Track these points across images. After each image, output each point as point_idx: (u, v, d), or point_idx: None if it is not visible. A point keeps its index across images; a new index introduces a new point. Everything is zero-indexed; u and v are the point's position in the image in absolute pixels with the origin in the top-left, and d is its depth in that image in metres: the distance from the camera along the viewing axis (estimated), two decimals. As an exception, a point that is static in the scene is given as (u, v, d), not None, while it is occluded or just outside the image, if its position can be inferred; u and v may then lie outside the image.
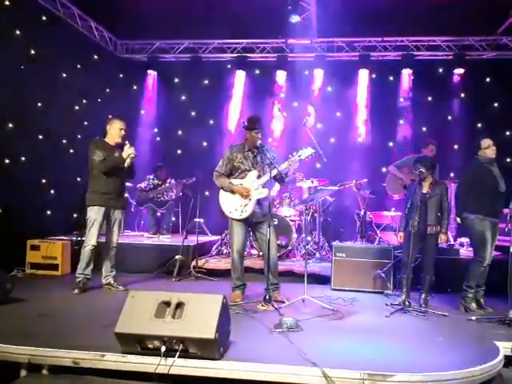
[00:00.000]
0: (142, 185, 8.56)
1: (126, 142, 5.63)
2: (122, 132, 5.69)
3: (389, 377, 3.18)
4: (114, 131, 5.68)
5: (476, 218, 5.17)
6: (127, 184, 8.37)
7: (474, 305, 5.18)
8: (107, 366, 3.39)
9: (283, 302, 5.13)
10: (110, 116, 5.83)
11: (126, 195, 8.60)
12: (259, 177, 5.27)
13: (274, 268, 5.28)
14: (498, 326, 4.60)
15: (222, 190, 5.36)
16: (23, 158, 6.98)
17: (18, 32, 6.78)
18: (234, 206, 5.26)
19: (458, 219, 5.43)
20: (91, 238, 5.56)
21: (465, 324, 4.73)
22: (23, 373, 3.47)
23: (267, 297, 4.94)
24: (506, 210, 5.15)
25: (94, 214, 5.57)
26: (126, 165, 5.59)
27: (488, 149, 5.28)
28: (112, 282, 5.77)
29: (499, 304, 5.07)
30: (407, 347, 3.93)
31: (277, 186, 7.41)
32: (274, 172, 5.09)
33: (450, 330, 4.45)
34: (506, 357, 3.78)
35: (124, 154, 5.56)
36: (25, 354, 3.47)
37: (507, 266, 4.70)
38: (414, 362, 3.53)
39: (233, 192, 5.26)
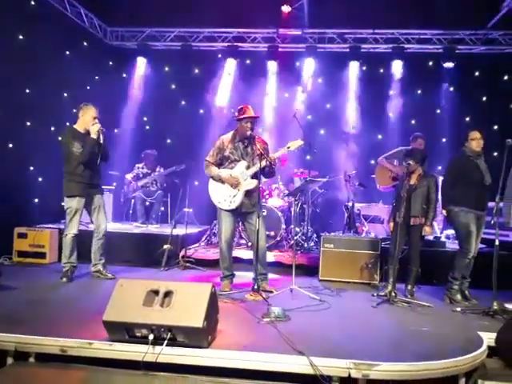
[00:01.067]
0: (131, 174, 8.51)
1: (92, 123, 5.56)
2: (96, 120, 5.59)
3: (374, 366, 3.22)
4: (87, 117, 5.59)
5: (460, 211, 5.22)
6: (113, 173, 8.40)
7: (459, 296, 5.24)
8: (95, 354, 3.40)
9: (271, 292, 5.16)
10: (84, 103, 5.75)
11: (115, 184, 8.58)
12: (248, 167, 5.26)
13: (262, 258, 5.30)
14: (483, 317, 4.68)
15: (211, 180, 5.35)
16: (10, 145, 6.91)
17: (5, 17, 6.66)
18: (222, 196, 5.25)
19: (444, 211, 5.47)
20: (72, 228, 5.55)
21: (450, 315, 4.80)
22: (10, 361, 3.47)
23: (256, 286, 4.97)
24: (491, 203, 5.21)
25: (75, 204, 5.54)
26: (100, 141, 5.52)
27: (474, 141, 5.32)
28: (101, 269, 5.75)
29: (483, 296, 5.14)
30: (393, 337, 3.99)
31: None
32: (264, 163, 5.08)
33: (435, 321, 4.50)
34: (489, 347, 3.84)
35: (92, 134, 5.50)
36: (11, 342, 3.46)
37: (492, 258, 4.77)
38: (399, 351, 3.58)
39: (222, 182, 5.25)
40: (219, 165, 5.33)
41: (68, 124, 7.92)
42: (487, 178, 5.28)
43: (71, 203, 5.54)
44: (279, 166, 6.39)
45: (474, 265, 5.32)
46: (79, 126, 5.64)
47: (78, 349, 3.42)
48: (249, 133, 5.18)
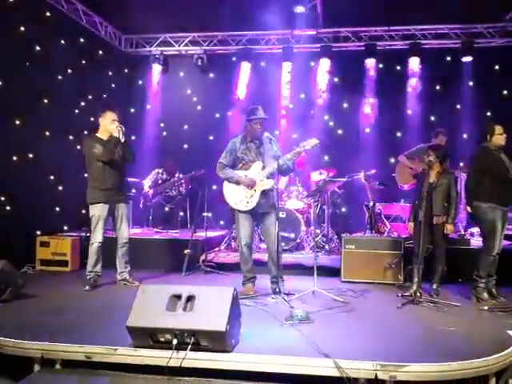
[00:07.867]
0: (150, 179, 8.54)
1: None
2: (115, 123, 5.57)
3: (401, 367, 3.16)
4: (107, 121, 5.60)
5: (488, 207, 5.10)
6: (132, 179, 8.44)
7: (485, 295, 5.13)
8: (120, 359, 3.40)
9: (293, 295, 5.08)
10: (100, 111, 5.78)
11: (134, 190, 8.62)
12: (263, 168, 5.24)
13: (278, 260, 5.23)
14: (511, 315, 4.56)
15: (225, 182, 5.34)
16: (31, 155, 6.98)
17: (22, 28, 6.75)
18: (239, 197, 5.23)
19: (469, 208, 5.36)
20: (97, 236, 5.55)
21: (477, 314, 4.71)
22: (36, 367, 3.49)
23: (277, 289, 4.92)
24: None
25: (98, 211, 5.54)
26: (122, 140, 5.48)
27: (501, 135, 5.23)
28: (127, 277, 5.76)
29: (511, 293, 5.03)
30: (419, 338, 3.91)
31: (285, 178, 7.39)
32: (281, 162, 5.05)
33: (462, 321, 4.42)
34: (519, 346, 3.74)
35: (114, 133, 5.50)
36: (38, 349, 3.48)
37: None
38: (426, 352, 3.50)
39: (238, 183, 5.24)
40: (232, 166, 5.33)
41: (86, 132, 8.06)
42: (512, 171, 5.16)
43: (94, 210, 5.56)
44: (297, 168, 6.33)
45: (501, 262, 5.21)
46: (101, 133, 5.67)
47: (103, 355, 3.43)
48: (259, 133, 5.20)
